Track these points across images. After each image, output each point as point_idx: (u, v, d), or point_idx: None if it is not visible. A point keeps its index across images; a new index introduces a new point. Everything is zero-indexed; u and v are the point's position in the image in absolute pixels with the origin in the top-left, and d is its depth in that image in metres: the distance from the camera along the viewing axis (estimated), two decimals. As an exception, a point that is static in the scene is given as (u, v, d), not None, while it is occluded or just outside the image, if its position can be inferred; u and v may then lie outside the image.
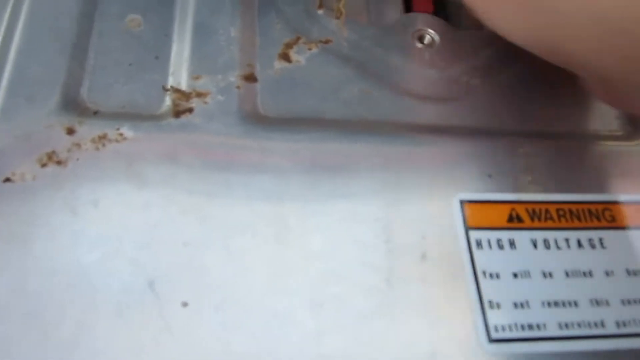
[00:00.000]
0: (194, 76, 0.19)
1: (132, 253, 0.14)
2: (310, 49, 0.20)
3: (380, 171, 0.17)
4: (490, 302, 0.15)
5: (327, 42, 0.20)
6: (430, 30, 0.21)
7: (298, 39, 0.20)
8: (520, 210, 0.17)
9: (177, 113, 0.18)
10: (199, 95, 0.19)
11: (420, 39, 0.21)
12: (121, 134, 0.16)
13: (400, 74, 0.20)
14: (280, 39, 0.20)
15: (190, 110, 0.18)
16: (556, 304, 0.15)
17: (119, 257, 0.14)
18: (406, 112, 0.19)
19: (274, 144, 0.17)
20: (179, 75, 0.19)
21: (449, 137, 0.18)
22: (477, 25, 0.19)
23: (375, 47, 0.20)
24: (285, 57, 0.20)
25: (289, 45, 0.20)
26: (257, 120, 0.18)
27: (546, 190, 0.17)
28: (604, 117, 0.20)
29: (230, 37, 0.20)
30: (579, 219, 0.17)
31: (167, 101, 0.18)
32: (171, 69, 0.19)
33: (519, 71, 0.21)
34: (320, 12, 0.21)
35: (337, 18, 0.21)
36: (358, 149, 0.17)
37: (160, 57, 0.19)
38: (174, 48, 0.19)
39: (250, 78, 0.19)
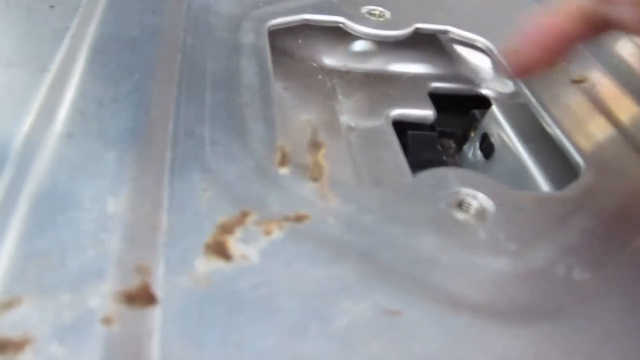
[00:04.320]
0: (6, 302, 0.11)
1: None
2: (268, 233, 0.13)
3: None
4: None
5: (300, 219, 0.13)
6: (478, 193, 0.15)
7: (245, 215, 0.13)
8: None
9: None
10: (13, 347, 0.10)
11: (461, 205, 0.15)
12: None
13: (445, 271, 0.13)
14: (211, 216, 0.13)
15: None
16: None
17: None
18: (469, 347, 0.11)
19: None
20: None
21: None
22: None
23: (389, 224, 0.14)
24: (219, 249, 0.12)
25: (226, 228, 0.13)
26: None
27: None
28: None
29: (104, 215, 0.12)
30: None
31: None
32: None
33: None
34: (282, 171, 0.15)
35: (315, 179, 0.15)
36: None
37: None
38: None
39: (141, 297, 0.11)
